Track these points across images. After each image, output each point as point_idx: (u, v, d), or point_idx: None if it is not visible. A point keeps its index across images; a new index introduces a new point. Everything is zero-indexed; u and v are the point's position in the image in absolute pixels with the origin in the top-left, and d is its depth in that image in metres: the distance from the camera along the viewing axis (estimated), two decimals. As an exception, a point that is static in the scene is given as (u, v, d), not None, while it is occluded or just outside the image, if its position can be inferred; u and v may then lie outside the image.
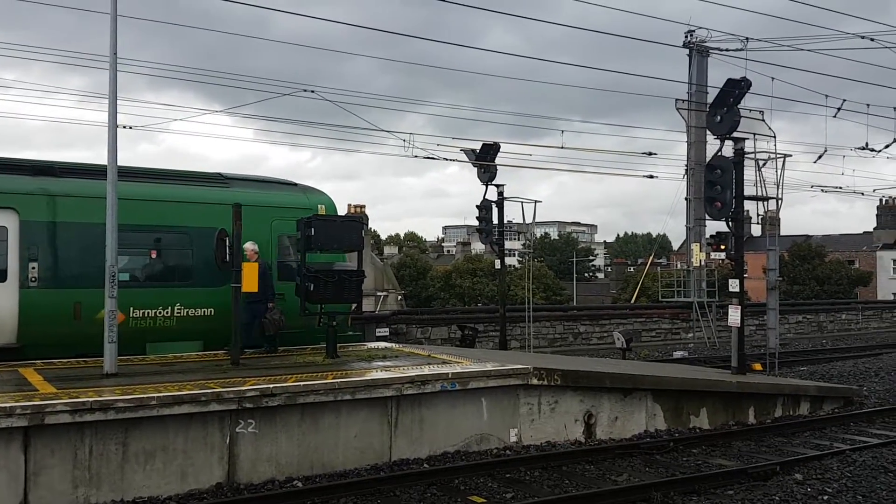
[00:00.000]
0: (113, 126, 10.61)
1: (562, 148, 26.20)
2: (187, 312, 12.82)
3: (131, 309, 12.33)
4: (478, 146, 22.90)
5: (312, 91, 18.80)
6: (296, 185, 15.27)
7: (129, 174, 13.27)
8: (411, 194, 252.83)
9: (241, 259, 11.45)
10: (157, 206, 12.94)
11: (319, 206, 14.32)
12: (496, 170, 22.71)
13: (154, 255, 12.97)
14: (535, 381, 11.15)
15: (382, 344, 15.28)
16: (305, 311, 12.05)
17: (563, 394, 11.52)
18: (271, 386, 9.23)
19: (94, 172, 12.43)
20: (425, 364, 11.56)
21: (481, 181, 22.98)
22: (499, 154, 22.58)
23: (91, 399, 8.23)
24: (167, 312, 12.68)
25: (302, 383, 9.46)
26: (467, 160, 23.62)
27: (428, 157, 22.03)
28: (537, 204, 23.43)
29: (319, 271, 11.93)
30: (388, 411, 10.05)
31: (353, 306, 13.22)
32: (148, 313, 12.57)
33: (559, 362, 14.10)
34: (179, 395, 8.65)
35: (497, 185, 22.76)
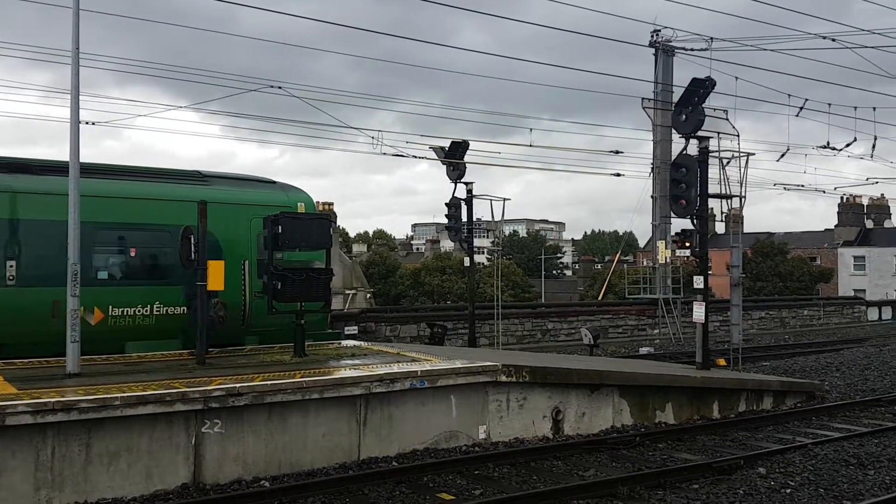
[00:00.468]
0: (75, 122, 10.42)
1: (530, 146, 26.41)
2: (166, 311, 12.68)
3: (110, 307, 12.21)
4: (447, 144, 22.94)
5: (280, 87, 18.63)
6: (275, 182, 15.19)
7: (108, 172, 13.21)
8: (381, 192, 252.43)
9: (207, 257, 11.31)
10: (135, 203, 12.82)
11: (299, 204, 14.23)
12: (465, 168, 22.77)
13: (133, 253, 12.82)
14: (503, 378, 11.20)
15: (351, 342, 15.22)
16: (273, 309, 11.94)
17: (532, 390, 11.58)
18: (238, 385, 9.15)
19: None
20: (394, 362, 11.55)
21: (450, 179, 23.01)
22: (468, 152, 22.65)
23: (53, 399, 8.09)
24: (146, 311, 12.53)
25: (269, 382, 9.39)
26: (436, 158, 23.64)
27: (397, 155, 21.99)
28: (506, 202, 23.60)
29: (287, 269, 11.85)
30: (356, 410, 10.02)
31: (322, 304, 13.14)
32: (127, 312, 12.41)
33: (527, 359, 14.16)
34: (144, 396, 8.53)
35: (466, 183, 22.82)
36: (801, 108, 25.43)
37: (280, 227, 11.67)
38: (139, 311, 12.46)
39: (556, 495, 8.64)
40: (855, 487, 9.16)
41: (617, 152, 29.33)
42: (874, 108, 27.55)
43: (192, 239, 11.42)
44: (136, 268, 12.96)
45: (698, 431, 12.20)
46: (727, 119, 16.14)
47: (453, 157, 22.52)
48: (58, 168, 12.74)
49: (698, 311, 15.22)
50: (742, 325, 18.01)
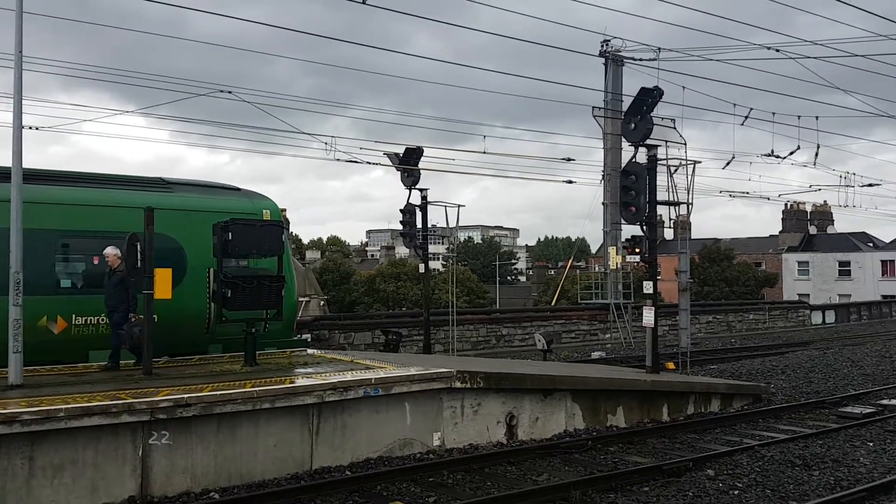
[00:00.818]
0: (18, 127, 10.14)
1: (484, 153, 26.51)
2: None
3: (73, 316, 12.00)
4: (401, 150, 22.94)
5: (229, 92, 18.37)
6: (239, 189, 15.15)
7: (70, 179, 13.00)
8: (335, 198, 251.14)
9: (152, 265, 11.08)
10: (98, 211, 12.64)
11: (264, 210, 14.20)
12: (419, 174, 22.82)
13: (96, 262, 12.59)
14: (458, 385, 11.21)
15: (304, 350, 15.06)
16: (223, 318, 11.77)
17: (486, 396, 11.62)
18: (186, 396, 8.98)
19: (32, 177, 12.11)
20: (348, 370, 11.47)
21: (405, 185, 23.03)
22: (422, 158, 22.70)
23: (-8, 413, 7.82)
24: None
25: (218, 392, 9.24)
26: (391, 164, 23.63)
27: (351, 161, 21.85)
28: (461, 208, 23.71)
29: (238, 277, 11.69)
30: (309, 419, 9.91)
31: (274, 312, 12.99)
32: (90, 320, 12.20)
33: (482, 365, 14.22)
34: (89, 407, 8.31)
35: (421, 190, 22.87)
36: (747, 118, 26.07)
37: (230, 234, 11.51)
38: (103, 319, 12.21)
39: (509, 501, 8.68)
40: (801, 488, 9.37)
41: (568, 160, 29.69)
42: (817, 118, 28.44)
43: (139, 246, 11.18)
44: (100, 276, 12.69)
45: (648, 434, 12.39)
46: (675, 128, 16.48)
47: (407, 164, 22.54)
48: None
49: (648, 316, 15.49)
50: (690, 329, 18.37)
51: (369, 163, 23.14)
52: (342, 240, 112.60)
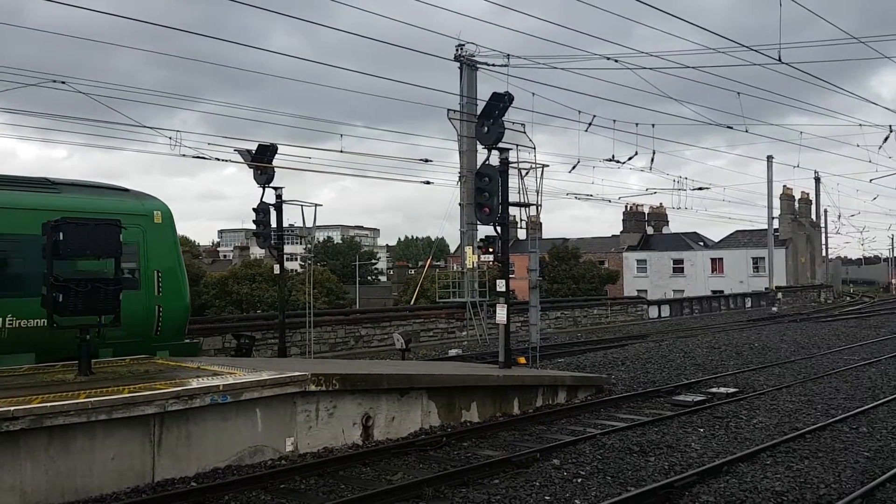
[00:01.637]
0: None
1: (341, 152, 26.25)
2: (19, 324, 12.05)
3: None
4: (254, 147, 22.27)
5: (62, 82, 17.10)
6: (128, 190, 14.74)
7: None
8: (184, 196, 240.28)
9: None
10: None
11: (155, 212, 13.93)
12: (274, 172, 22.23)
13: None
14: (313, 388, 11.02)
15: (145, 358, 14.26)
16: (54, 324, 10.94)
17: (342, 398, 11.50)
18: (12, 408, 8.26)
19: None
20: (194, 377, 10.96)
21: (258, 183, 22.37)
22: (277, 156, 22.13)
23: None
24: None
25: (49, 404, 8.56)
26: (242, 161, 22.88)
27: (198, 157, 20.96)
28: (319, 208, 23.31)
29: (70, 280, 10.91)
30: (150, 430, 9.39)
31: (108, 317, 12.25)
32: None
33: (338, 367, 14.09)
34: None
35: (275, 188, 22.30)
36: (590, 124, 27.54)
37: (61, 234, 10.71)
38: None
39: (362, 502, 8.63)
40: (638, 474, 9.88)
41: (426, 160, 30.04)
42: (653, 125, 30.46)
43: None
44: None
45: (500, 428, 12.71)
46: (525, 132, 17.09)
47: (261, 161, 21.89)
48: None
49: (501, 313, 15.92)
50: (540, 325, 19.10)
51: (218, 159, 22.36)
52: (191, 240, 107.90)
